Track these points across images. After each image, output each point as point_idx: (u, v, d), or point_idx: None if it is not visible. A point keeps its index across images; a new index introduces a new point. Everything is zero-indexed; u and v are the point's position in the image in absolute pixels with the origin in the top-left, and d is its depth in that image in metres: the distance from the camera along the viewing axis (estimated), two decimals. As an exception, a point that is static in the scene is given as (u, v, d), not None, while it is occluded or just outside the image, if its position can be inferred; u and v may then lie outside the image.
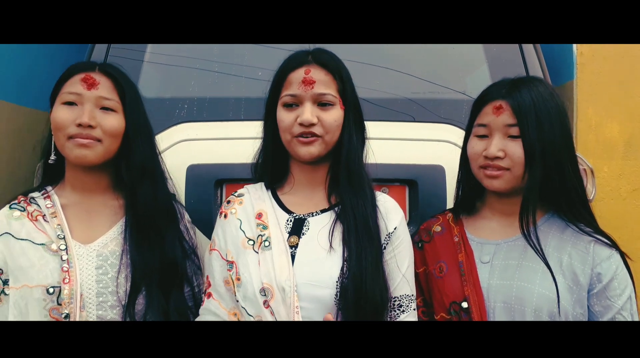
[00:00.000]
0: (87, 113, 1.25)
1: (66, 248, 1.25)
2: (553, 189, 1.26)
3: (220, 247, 1.30)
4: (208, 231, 1.61)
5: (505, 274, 1.27)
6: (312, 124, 1.23)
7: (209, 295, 1.29)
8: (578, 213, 1.29)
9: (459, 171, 1.41)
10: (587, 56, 2.19)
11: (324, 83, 1.25)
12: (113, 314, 1.24)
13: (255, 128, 1.77)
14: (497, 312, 1.25)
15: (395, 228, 1.28)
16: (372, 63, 1.90)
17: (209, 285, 1.30)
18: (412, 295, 1.29)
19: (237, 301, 1.23)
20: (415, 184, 1.72)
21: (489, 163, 1.27)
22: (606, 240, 1.27)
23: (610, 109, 2.18)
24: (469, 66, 1.96)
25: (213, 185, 1.75)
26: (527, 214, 1.25)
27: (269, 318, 1.18)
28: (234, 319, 1.24)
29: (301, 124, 1.23)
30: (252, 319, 1.20)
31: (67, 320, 1.19)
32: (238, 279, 1.23)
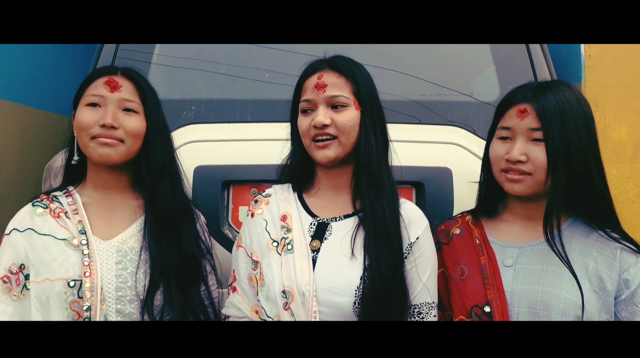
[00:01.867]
0: (110, 114, 1.30)
1: (87, 243, 1.29)
2: (578, 194, 1.25)
3: (246, 245, 1.34)
4: (215, 232, 1.61)
5: (529, 278, 1.26)
6: (326, 126, 1.25)
7: (234, 289, 1.33)
8: (605, 218, 1.27)
9: (480, 174, 1.41)
10: (595, 58, 2.18)
11: (335, 86, 1.28)
12: (131, 308, 1.27)
13: (261, 130, 1.78)
14: (522, 317, 1.24)
15: (417, 238, 1.28)
16: (379, 66, 1.90)
17: (235, 279, 1.34)
18: (433, 303, 1.29)
19: (259, 300, 1.26)
20: (422, 187, 1.72)
21: (511, 167, 1.26)
22: (633, 246, 1.25)
23: (619, 112, 2.16)
24: (477, 68, 1.95)
25: (220, 186, 1.75)
26: (551, 220, 1.24)
27: (288, 319, 1.20)
28: (256, 316, 1.28)
29: (315, 127, 1.26)
30: (270, 319, 1.24)
31: (89, 312, 1.23)
32: (262, 279, 1.26)
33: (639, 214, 2.14)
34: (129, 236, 1.34)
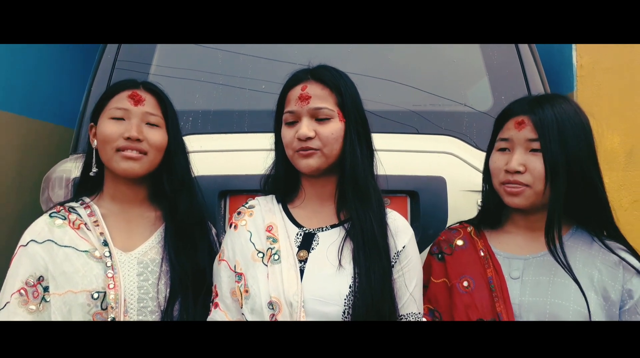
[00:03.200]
0: (135, 127, 1.32)
1: (110, 255, 1.29)
2: (581, 203, 1.25)
3: (229, 258, 1.31)
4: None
5: (537, 291, 1.25)
6: (309, 138, 1.25)
7: (216, 305, 1.30)
8: (606, 228, 1.28)
9: (482, 186, 1.41)
10: (587, 68, 2.21)
11: (319, 97, 1.27)
12: (152, 319, 1.28)
13: (258, 140, 1.79)
14: None
15: (404, 247, 1.28)
16: (374, 75, 1.93)
17: (216, 294, 1.31)
18: (419, 313, 1.29)
19: (243, 313, 1.23)
20: (417, 195, 1.73)
21: (509, 179, 1.26)
22: (634, 255, 1.25)
23: (611, 121, 2.19)
24: (470, 78, 1.98)
25: (217, 196, 1.77)
26: (552, 231, 1.23)
27: None
28: None
29: (299, 139, 1.25)
30: None
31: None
32: (246, 291, 1.24)
33: (632, 221, 2.16)
34: (149, 248, 1.35)
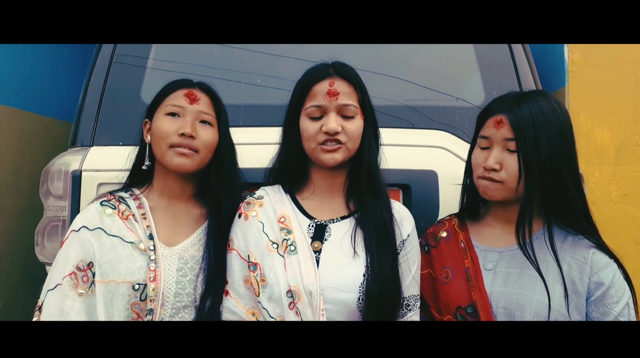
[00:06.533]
0: (189, 124, 1.36)
1: (154, 249, 1.33)
2: (555, 200, 1.29)
3: (240, 247, 1.35)
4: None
5: (507, 281, 1.31)
6: (337, 133, 1.29)
7: (227, 293, 1.33)
8: (579, 225, 1.32)
9: (464, 179, 1.46)
10: (578, 64, 2.24)
11: (346, 94, 1.32)
12: (184, 313, 1.32)
13: (254, 134, 1.83)
14: (499, 318, 1.29)
15: (408, 235, 1.36)
16: (370, 70, 1.95)
17: (227, 282, 1.34)
18: (418, 295, 1.36)
19: (259, 302, 1.27)
20: (409, 189, 1.77)
21: (486, 175, 1.32)
22: (604, 251, 1.30)
23: (601, 116, 2.23)
24: (462, 74, 2.00)
25: (213, 189, 1.79)
26: (523, 227, 1.29)
27: (293, 318, 1.23)
28: (252, 318, 1.28)
29: (326, 133, 1.29)
30: (273, 319, 1.25)
31: (150, 315, 1.28)
32: (263, 280, 1.28)
33: (621, 215, 2.21)
34: (190, 245, 1.39)
